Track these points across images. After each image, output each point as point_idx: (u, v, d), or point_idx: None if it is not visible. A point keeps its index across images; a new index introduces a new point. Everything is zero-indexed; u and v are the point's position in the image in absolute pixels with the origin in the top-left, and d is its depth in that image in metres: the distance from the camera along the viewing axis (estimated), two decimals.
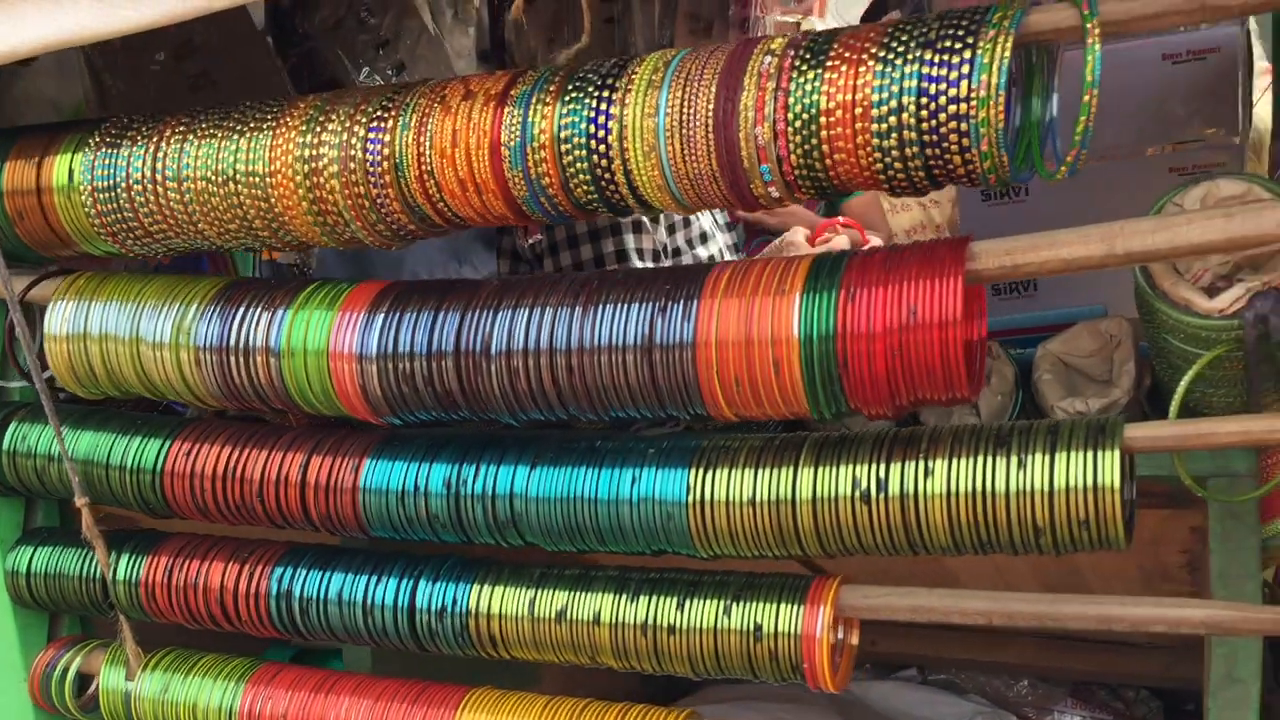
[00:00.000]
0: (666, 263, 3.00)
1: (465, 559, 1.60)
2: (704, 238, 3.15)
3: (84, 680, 1.91)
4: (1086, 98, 1.11)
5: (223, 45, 2.92)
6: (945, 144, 1.17)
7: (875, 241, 3.16)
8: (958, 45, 1.17)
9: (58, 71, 2.78)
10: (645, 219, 2.95)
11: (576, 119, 1.32)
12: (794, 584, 1.41)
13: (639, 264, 2.89)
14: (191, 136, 1.54)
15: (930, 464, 1.29)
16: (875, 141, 1.20)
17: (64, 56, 2.67)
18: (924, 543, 1.30)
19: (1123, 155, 2.16)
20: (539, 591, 1.52)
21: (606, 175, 1.31)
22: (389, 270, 3.14)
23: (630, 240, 2.95)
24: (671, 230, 3.08)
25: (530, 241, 2.91)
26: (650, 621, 1.45)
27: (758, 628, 1.39)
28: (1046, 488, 1.23)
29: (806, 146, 1.23)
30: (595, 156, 1.31)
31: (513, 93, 1.37)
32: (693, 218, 3.12)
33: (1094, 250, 1.21)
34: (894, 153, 1.19)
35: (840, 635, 1.45)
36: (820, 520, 1.33)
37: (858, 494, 1.31)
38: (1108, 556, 2.09)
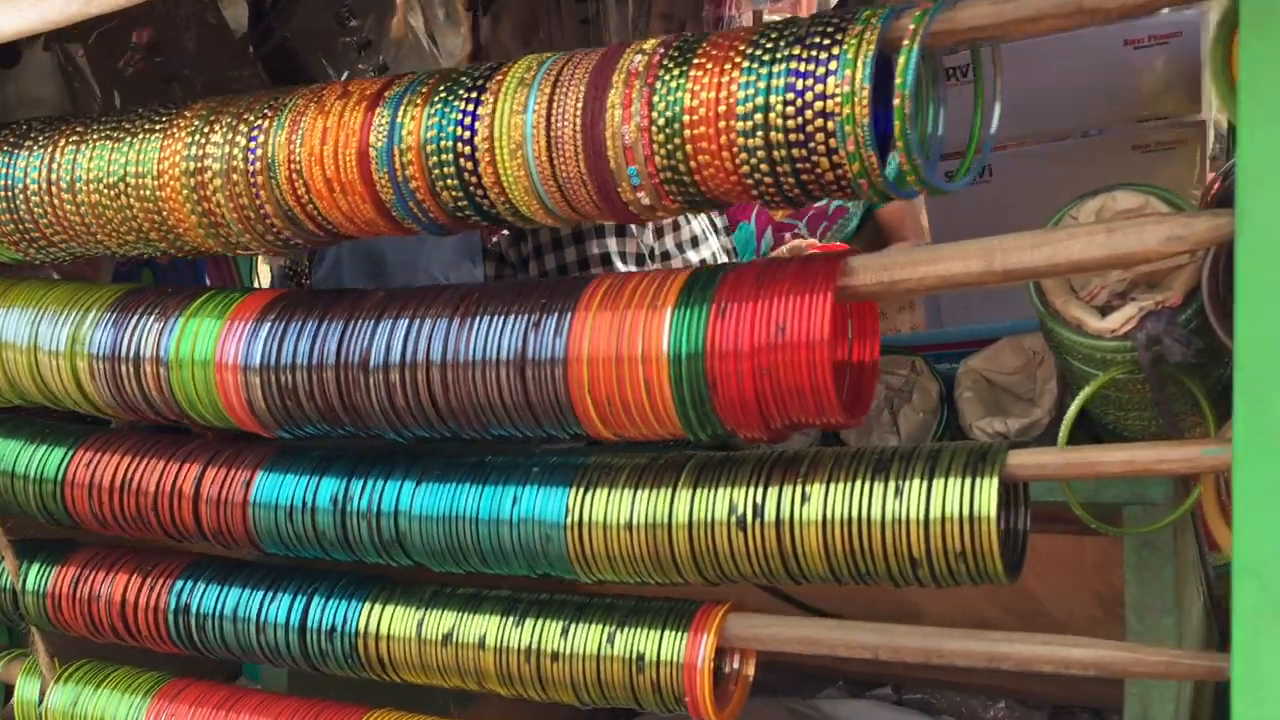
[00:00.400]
0: (653, 267, 2.94)
1: (360, 577, 1.55)
2: (695, 242, 3.09)
3: (9, 690, 1.89)
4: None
5: (195, 49, 2.91)
6: (812, 143, 1.10)
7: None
8: (825, 41, 1.10)
9: (51, 72, 2.80)
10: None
11: (444, 119, 1.26)
12: (680, 610, 1.35)
13: (622, 268, 2.83)
14: (85, 144, 1.50)
15: (807, 489, 1.22)
16: (740, 141, 1.13)
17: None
18: (801, 571, 1.24)
19: (1083, 135, 2.17)
20: (427, 612, 1.47)
21: (473, 177, 1.26)
22: (404, 271, 3.11)
23: (613, 244, 2.90)
24: (659, 234, 3.02)
25: (495, 239, 2.87)
26: (534, 647, 1.39)
27: (640, 656, 1.33)
28: (922, 517, 1.16)
29: (670, 146, 1.16)
30: (461, 159, 1.25)
31: (386, 94, 1.32)
32: (683, 220, 3.06)
33: (973, 266, 1.13)
34: (760, 153, 1.13)
35: (736, 665, 1.39)
36: (696, 546, 1.27)
37: (734, 519, 1.25)
38: (1064, 581, 2.02)
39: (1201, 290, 1.13)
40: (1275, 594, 1.02)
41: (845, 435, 1.60)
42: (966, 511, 1.14)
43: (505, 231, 2.90)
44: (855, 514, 1.19)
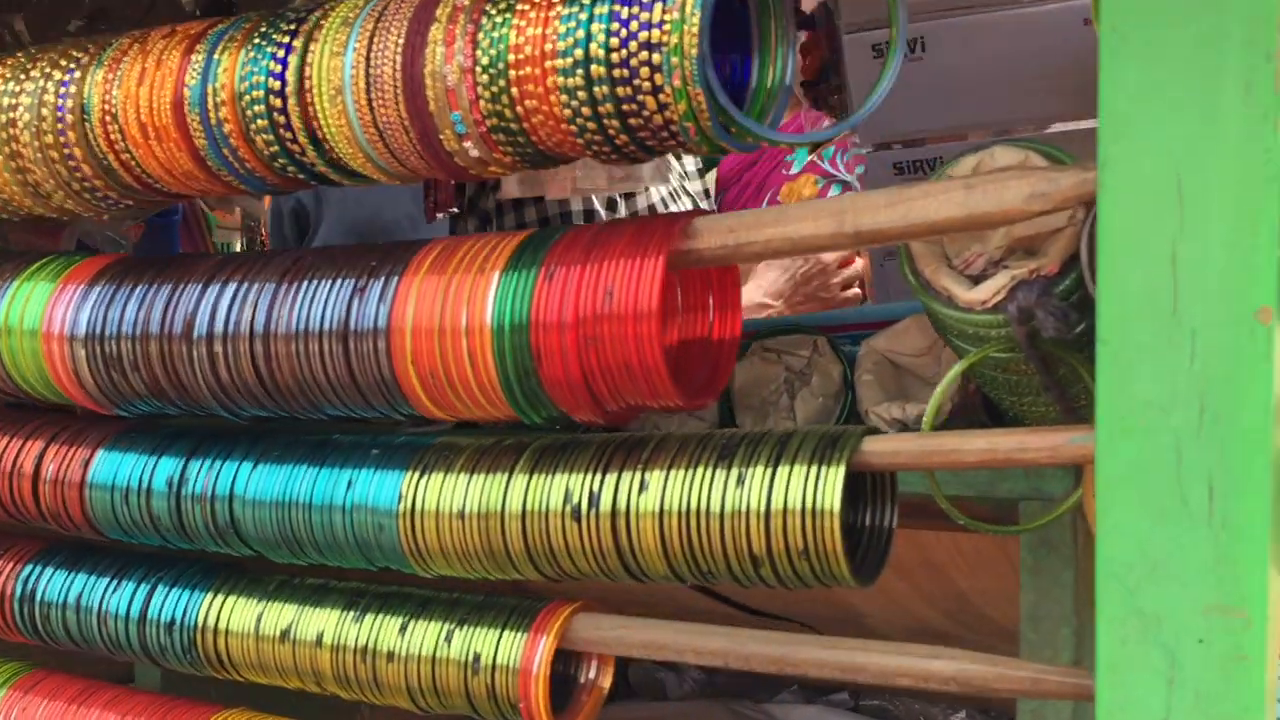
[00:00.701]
0: None
1: (209, 565, 1.44)
2: None
3: None
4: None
5: (141, 15, 2.83)
6: (637, 79, 0.98)
7: None
8: None
9: None
10: (600, 209, 2.78)
11: (260, 55, 1.15)
12: (525, 609, 1.23)
13: None
14: None
15: (646, 477, 1.09)
16: (561, 80, 1.01)
17: None
18: (640, 568, 1.11)
19: (1039, 130, 1.99)
20: (268, 606, 1.35)
21: (281, 116, 1.14)
22: None
23: None
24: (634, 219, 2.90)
25: (440, 216, 2.76)
26: (371, 645, 1.27)
27: (476, 658, 1.21)
28: (763, 509, 1.03)
29: (495, 89, 1.04)
30: (274, 97, 1.14)
31: (209, 33, 1.21)
32: (661, 208, 2.94)
33: (823, 228, 1.00)
34: (581, 94, 1.00)
35: (592, 674, 1.27)
36: (530, 539, 1.14)
37: (568, 509, 1.12)
38: (992, 582, 1.88)
39: (1081, 256, 0.99)
40: (1142, 601, 0.89)
41: (740, 421, 1.47)
42: (809, 504, 1.01)
43: (454, 209, 2.79)
44: (694, 505, 1.06)
